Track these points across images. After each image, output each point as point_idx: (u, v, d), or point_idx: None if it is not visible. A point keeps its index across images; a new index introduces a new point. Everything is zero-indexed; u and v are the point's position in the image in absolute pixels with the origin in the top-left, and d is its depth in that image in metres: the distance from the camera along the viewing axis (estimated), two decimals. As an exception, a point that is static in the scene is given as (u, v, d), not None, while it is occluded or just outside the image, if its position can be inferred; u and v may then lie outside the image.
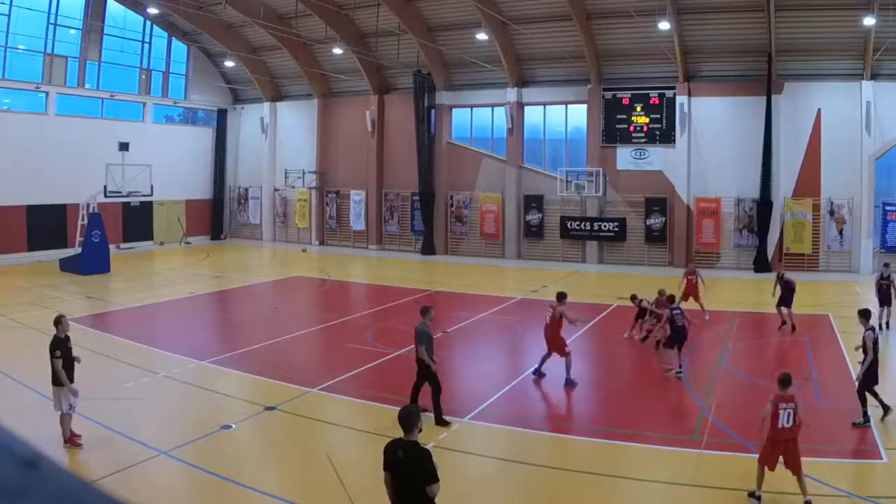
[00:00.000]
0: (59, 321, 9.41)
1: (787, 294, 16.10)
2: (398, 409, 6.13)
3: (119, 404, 10.71)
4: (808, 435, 9.51)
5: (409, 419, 5.72)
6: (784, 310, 16.06)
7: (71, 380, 9.03)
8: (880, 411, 9.88)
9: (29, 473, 0.59)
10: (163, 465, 8.51)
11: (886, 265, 16.93)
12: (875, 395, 9.90)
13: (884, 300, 16.08)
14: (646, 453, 9.01)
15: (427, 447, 6.05)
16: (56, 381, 8.98)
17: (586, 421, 10.67)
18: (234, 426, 9.90)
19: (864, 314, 10.59)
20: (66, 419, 8.99)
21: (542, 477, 8.39)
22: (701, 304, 17.44)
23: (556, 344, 12.16)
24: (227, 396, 11.50)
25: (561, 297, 12.62)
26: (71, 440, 8.98)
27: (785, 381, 7.68)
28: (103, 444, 9.14)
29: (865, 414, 9.71)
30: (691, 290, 17.55)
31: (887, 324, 15.93)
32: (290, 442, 9.64)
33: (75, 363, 9.20)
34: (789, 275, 16.79)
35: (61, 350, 9.10)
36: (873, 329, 10.29)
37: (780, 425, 7.46)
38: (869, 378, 9.84)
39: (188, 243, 34.97)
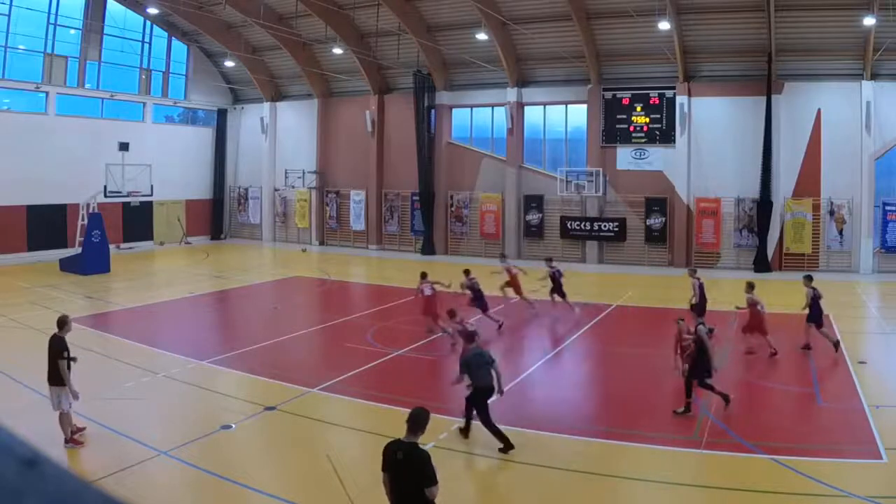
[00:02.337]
0: (66, 321, 9.43)
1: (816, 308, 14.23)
2: (398, 409, 6.13)
3: (119, 404, 10.71)
4: (808, 435, 9.53)
5: (416, 421, 5.71)
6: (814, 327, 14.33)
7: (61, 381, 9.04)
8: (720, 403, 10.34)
9: (29, 473, 0.59)
10: (163, 465, 8.51)
11: None
12: (689, 389, 10.37)
13: None
14: (646, 453, 9.01)
15: (426, 449, 6.05)
16: (59, 381, 8.98)
17: (586, 421, 10.67)
18: (234, 426, 9.90)
19: (694, 311, 11.06)
20: (67, 418, 9.00)
21: (542, 477, 8.39)
22: (524, 298, 17.90)
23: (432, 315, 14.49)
24: (227, 396, 11.50)
25: (423, 275, 16.06)
26: (73, 439, 8.98)
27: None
28: (103, 444, 9.14)
29: (688, 405, 10.30)
30: (514, 283, 18.16)
31: None
32: (290, 442, 9.64)
33: (72, 363, 9.21)
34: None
35: (67, 351, 9.14)
36: (705, 324, 10.78)
37: None
38: (699, 371, 10.30)
39: (188, 243, 34.97)
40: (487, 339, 13.91)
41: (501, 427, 9.11)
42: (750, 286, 14.25)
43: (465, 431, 9.52)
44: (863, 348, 14.95)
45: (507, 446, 8.93)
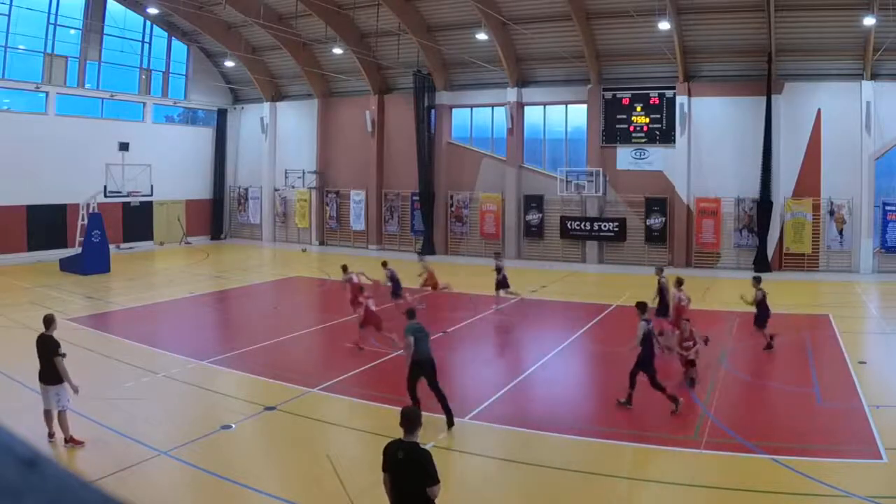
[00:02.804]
0: (53, 319, 9.51)
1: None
2: (398, 409, 6.12)
3: (119, 404, 10.71)
4: (808, 435, 9.53)
5: (410, 420, 5.71)
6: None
7: (59, 379, 9.10)
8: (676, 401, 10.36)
9: (29, 473, 0.59)
10: (163, 465, 8.51)
11: None
12: (633, 382, 10.52)
13: None
14: (646, 453, 9.01)
15: (427, 448, 6.05)
16: (56, 380, 9.01)
17: (586, 421, 10.66)
18: (234, 426, 9.90)
19: (641, 307, 11.08)
20: (63, 416, 9.04)
21: (542, 477, 8.39)
22: (439, 290, 18.57)
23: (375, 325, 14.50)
24: (227, 396, 11.50)
25: (344, 268, 17.03)
26: (73, 439, 9.01)
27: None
28: (103, 444, 9.14)
29: (630, 397, 10.55)
30: (431, 281, 18.98)
31: None
32: (290, 442, 9.64)
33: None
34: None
35: (59, 347, 9.20)
36: (648, 321, 10.81)
37: None
38: (644, 365, 10.44)
39: (188, 243, 34.97)
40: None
41: (501, 427, 9.11)
42: (679, 283, 14.76)
43: (414, 401, 9.79)
44: (863, 348, 14.95)
45: (450, 421, 9.75)
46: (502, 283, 18.34)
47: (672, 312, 14.39)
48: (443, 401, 9.78)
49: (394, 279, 17.62)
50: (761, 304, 14.29)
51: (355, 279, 16.57)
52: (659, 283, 15.65)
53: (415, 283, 18.89)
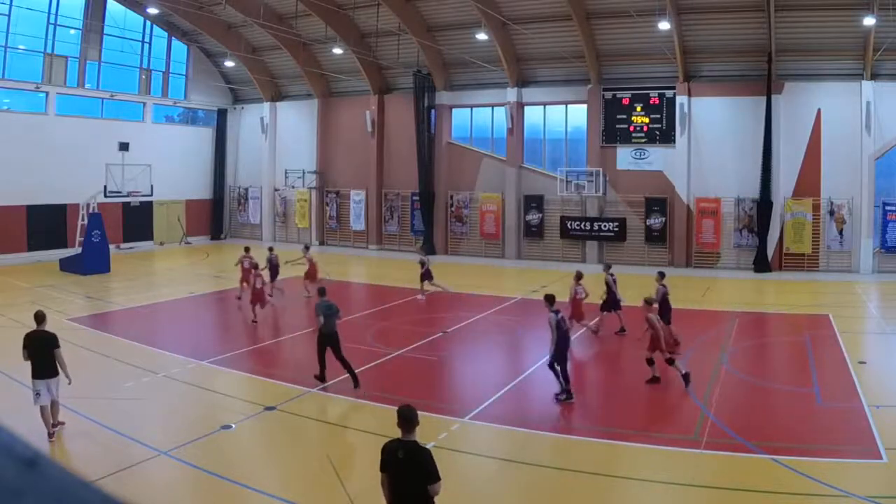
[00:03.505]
0: (45, 315, 9.85)
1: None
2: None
3: (119, 404, 10.72)
4: (808, 435, 9.54)
5: (408, 419, 5.70)
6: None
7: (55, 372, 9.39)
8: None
9: (29, 473, 0.59)
10: (163, 465, 8.51)
11: None
12: (564, 373, 11.02)
13: None
14: (646, 453, 9.01)
15: (427, 447, 6.05)
16: (54, 373, 9.27)
17: (586, 421, 10.67)
18: (234, 426, 9.90)
19: (549, 299, 11.58)
20: (57, 405, 9.35)
21: (542, 477, 8.39)
22: (317, 281, 19.55)
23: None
24: (227, 396, 11.50)
25: (246, 249, 19.09)
26: (53, 435, 9.24)
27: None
28: (103, 444, 9.15)
29: (567, 390, 10.98)
30: (311, 271, 20.59)
31: None
32: (290, 442, 9.65)
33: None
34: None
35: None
36: (556, 312, 11.25)
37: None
38: (559, 356, 11.00)
39: (188, 243, 34.97)
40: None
41: (501, 427, 9.11)
42: (578, 276, 15.55)
43: (320, 377, 11.66)
44: (863, 348, 14.95)
45: (356, 382, 11.37)
46: (426, 276, 19.95)
47: (569, 305, 14.92)
48: (347, 367, 11.48)
49: (273, 263, 19.83)
50: (664, 300, 14.34)
51: (247, 264, 18.72)
52: (606, 280, 16.21)
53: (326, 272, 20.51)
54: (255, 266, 18.18)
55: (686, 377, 11.44)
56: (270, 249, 21.21)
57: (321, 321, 11.55)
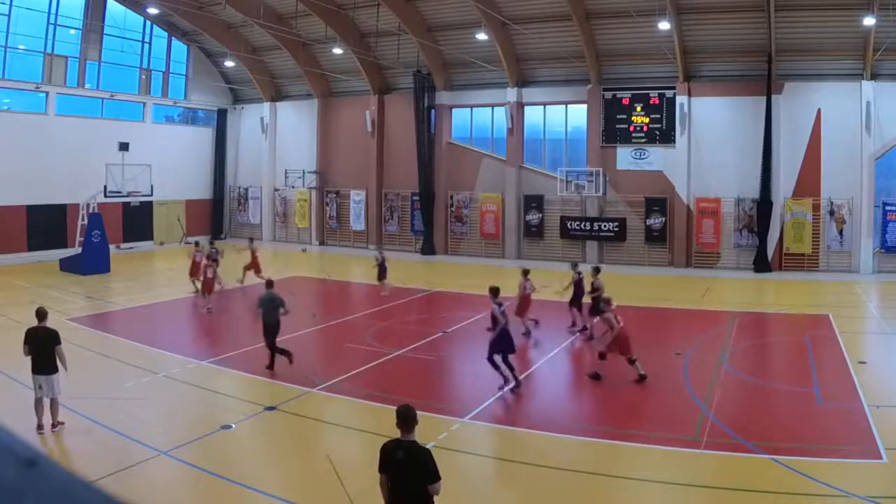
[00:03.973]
0: (46, 313, 9.96)
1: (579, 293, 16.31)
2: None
3: (119, 404, 10.72)
4: (808, 435, 9.54)
5: (407, 418, 5.69)
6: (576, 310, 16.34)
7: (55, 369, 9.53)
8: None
9: (29, 473, 0.59)
10: (163, 465, 8.51)
11: None
12: (507, 363, 11.42)
13: None
14: (646, 453, 9.01)
15: (427, 447, 6.05)
16: (54, 369, 9.40)
17: (586, 421, 10.67)
18: (234, 426, 9.90)
19: (493, 291, 11.99)
20: (56, 403, 9.45)
21: (542, 477, 8.39)
22: (261, 277, 19.73)
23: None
24: (227, 396, 11.50)
25: (196, 244, 21.51)
26: (43, 427, 9.32)
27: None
28: (103, 444, 9.15)
29: (506, 379, 11.40)
30: (254, 264, 21.75)
31: None
32: (290, 442, 9.65)
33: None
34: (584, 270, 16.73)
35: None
36: (500, 304, 11.70)
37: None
38: (500, 345, 11.41)
39: (188, 243, 34.96)
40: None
41: (501, 427, 9.10)
42: (525, 272, 16.23)
43: (269, 367, 12.55)
44: (863, 348, 14.95)
45: (290, 358, 12.50)
46: (382, 274, 21.10)
47: (517, 300, 15.67)
48: (277, 352, 12.61)
49: (211, 257, 20.78)
50: (578, 284, 15.94)
51: (198, 258, 20.67)
52: (573, 277, 16.60)
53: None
54: (208, 257, 19.99)
55: (642, 377, 11.96)
56: (211, 244, 23.76)
57: (260, 312, 12.72)
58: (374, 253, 23.25)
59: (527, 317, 15.84)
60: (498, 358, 11.47)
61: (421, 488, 5.44)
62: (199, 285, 19.96)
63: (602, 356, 12.32)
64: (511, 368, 11.43)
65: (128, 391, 11.37)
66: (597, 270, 16.03)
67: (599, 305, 13.22)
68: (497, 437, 9.85)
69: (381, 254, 21.97)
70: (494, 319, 11.53)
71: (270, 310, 12.58)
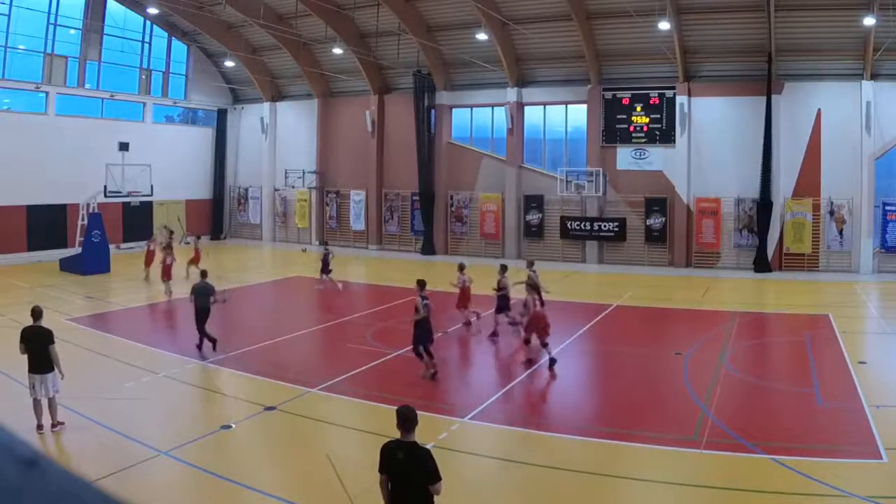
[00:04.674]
0: (41, 312, 9.95)
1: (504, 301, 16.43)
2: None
3: (119, 404, 10.72)
4: (808, 435, 9.54)
5: (407, 419, 5.68)
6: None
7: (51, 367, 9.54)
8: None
9: (29, 473, 0.59)
10: (163, 465, 8.51)
11: None
12: (428, 352, 12.13)
13: None
14: (646, 453, 9.01)
15: (427, 447, 6.05)
16: (50, 368, 9.39)
17: (586, 421, 10.66)
18: (234, 426, 9.90)
19: (420, 284, 12.76)
20: (55, 402, 9.44)
21: (542, 477, 8.39)
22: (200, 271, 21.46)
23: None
24: (227, 396, 11.50)
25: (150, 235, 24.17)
26: (43, 427, 9.31)
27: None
28: (103, 444, 9.14)
29: (433, 367, 12.14)
30: (196, 259, 23.03)
31: None
32: (290, 442, 9.64)
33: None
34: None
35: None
36: (424, 298, 12.43)
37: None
38: (420, 337, 12.18)
39: (188, 243, 34.90)
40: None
41: (501, 427, 9.09)
42: (461, 267, 17.26)
43: (198, 347, 13.90)
44: (863, 348, 14.95)
45: (214, 345, 13.72)
46: (325, 268, 21.93)
47: (459, 293, 16.67)
48: (206, 337, 13.83)
49: (168, 248, 22.38)
50: (503, 290, 16.29)
51: (152, 247, 23.29)
52: (529, 276, 16.73)
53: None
54: (165, 247, 22.06)
55: (553, 362, 12.79)
56: (159, 237, 25.63)
57: (191, 298, 14.25)
58: (320, 248, 24.36)
59: (469, 309, 16.68)
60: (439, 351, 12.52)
61: (421, 489, 5.44)
62: (149, 272, 22.85)
63: (527, 342, 13.41)
64: (430, 356, 12.21)
65: (128, 391, 11.36)
66: (504, 269, 16.84)
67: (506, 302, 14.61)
68: (497, 437, 9.85)
69: (327, 248, 22.92)
70: (416, 311, 12.24)
71: (202, 297, 14.03)
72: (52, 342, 9.52)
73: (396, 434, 5.69)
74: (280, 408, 10.64)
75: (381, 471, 5.57)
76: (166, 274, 20.67)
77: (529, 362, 13.09)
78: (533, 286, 14.02)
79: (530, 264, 17.45)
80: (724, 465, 8.54)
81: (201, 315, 14.01)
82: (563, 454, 9.09)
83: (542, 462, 8.80)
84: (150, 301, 20.32)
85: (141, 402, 10.94)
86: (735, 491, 7.84)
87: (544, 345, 12.89)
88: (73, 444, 9.29)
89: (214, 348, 13.75)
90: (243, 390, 11.91)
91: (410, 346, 12.50)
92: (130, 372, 12.46)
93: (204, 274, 14.93)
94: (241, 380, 12.49)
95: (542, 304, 14.10)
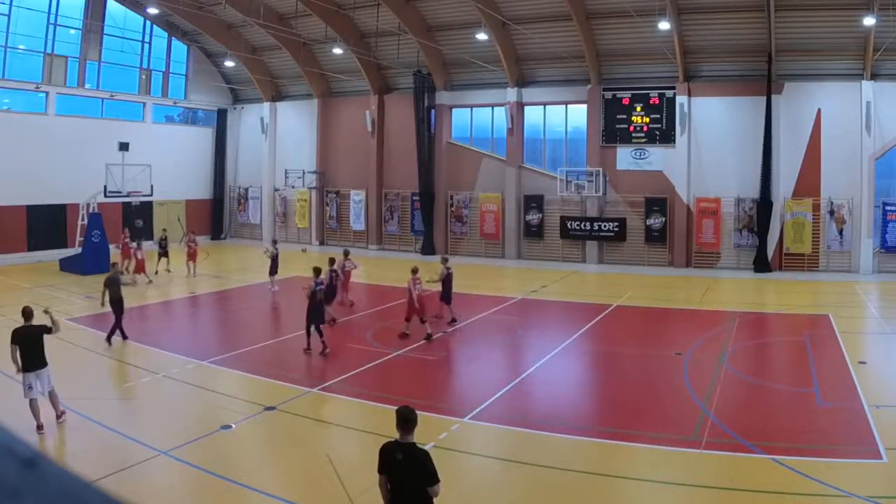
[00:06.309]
0: (32, 312, 10.12)
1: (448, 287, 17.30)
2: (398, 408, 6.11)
3: (119, 404, 10.72)
4: (808, 435, 9.54)
5: (407, 420, 5.68)
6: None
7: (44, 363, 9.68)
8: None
9: (29, 473, 0.59)
10: (163, 465, 8.51)
11: None
12: (319, 332, 13.72)
13: None
14: (646, 453, 9.01)
15: (426, 448, 6.05)
16: (43, 363, 9.53)
17: (586, 421, 10.66)
18: (234, 426, 9.90)
19: (316, 271, 14.52)
20: (55, 395, 9.57)
21: (542, 477, 8.39)
22: (145, 274, 23.28)
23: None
24: (227, 396, 11.50)
25: (123, 231, 25.45)
26: (43, 427, 9.33)
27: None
28: (103, 444, 9.15)
29: (324, 345, 13.71)
30: (139, 265, 23.52)
31: None
32: (290, 442, 9.64)
33: None
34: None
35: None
36: (318, 283, 14.13)
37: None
38: (312, 317, 13.80)
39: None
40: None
41: (501, 427, 9.09)
42: (346, 253, 19.39)
43: (107, 338, 14.50)
44: (863, 348, 14.95)
45: (124, 337, 14.53)
46: (273, 269, 22.05)
47: (342, 277, 18.46)
48: (120, 326, 14.65)
49: (127, 249, 23.68)
50: (446, 281, 16.98)
51: (126, 240, 24.18)
52: (441, 272, 17.37)
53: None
54: (137, 244, 23.46)
55: (429, 337, 14.87)
56: (128, 234, 26.35)
57: (105, 290, 15.17)
58: (268, 245, 24.39)
59: (349, 293, 19.01)
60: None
61: (420, 490, 5.43)
62: (130, 266, 23.44)
63: (408, 319, 15.22)
64: (321, 334, 13.72)
65: (128, 391, 11.36)
66: (445, 260, 17.70)
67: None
68: (497, 437, 9.84)
69: (276, 247, 22.86)
70: (312, 295, 13.80)
71: (115, 288, 15.04)
72: (48, 332, 9.75)
73: (396, 434, 5.69)
74: (280, 408, 10.64)
75: (380, 471, 5.58)
76: (141, 268, 22.84)
77: (404, 336, 15.02)
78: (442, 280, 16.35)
79: (445, 261, 17.95)
80: (724, 465, 8.54)
81: (115, 305, 14.89)
82: (563, 454, 9.09)
83: (542, 462, 8.80)
84: (150, 301, 20.32)
85: (141, 402, 10.94)
86: (735, 491, 7.84)
87: (423, 321, 15.11)
88: (73, 444, 9.29)
89: (125, 338, 14.62)
90: (243, 390, 11.91)
91: (410, 347, 12.52)
92: (130, 372, 12.47)
93: (113, 265, 16.69)
94: (241, 380, 12.49)
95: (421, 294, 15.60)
